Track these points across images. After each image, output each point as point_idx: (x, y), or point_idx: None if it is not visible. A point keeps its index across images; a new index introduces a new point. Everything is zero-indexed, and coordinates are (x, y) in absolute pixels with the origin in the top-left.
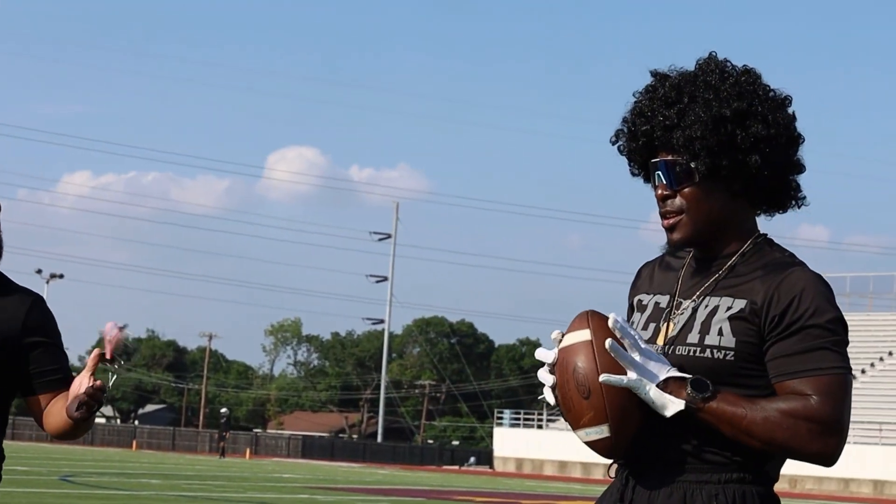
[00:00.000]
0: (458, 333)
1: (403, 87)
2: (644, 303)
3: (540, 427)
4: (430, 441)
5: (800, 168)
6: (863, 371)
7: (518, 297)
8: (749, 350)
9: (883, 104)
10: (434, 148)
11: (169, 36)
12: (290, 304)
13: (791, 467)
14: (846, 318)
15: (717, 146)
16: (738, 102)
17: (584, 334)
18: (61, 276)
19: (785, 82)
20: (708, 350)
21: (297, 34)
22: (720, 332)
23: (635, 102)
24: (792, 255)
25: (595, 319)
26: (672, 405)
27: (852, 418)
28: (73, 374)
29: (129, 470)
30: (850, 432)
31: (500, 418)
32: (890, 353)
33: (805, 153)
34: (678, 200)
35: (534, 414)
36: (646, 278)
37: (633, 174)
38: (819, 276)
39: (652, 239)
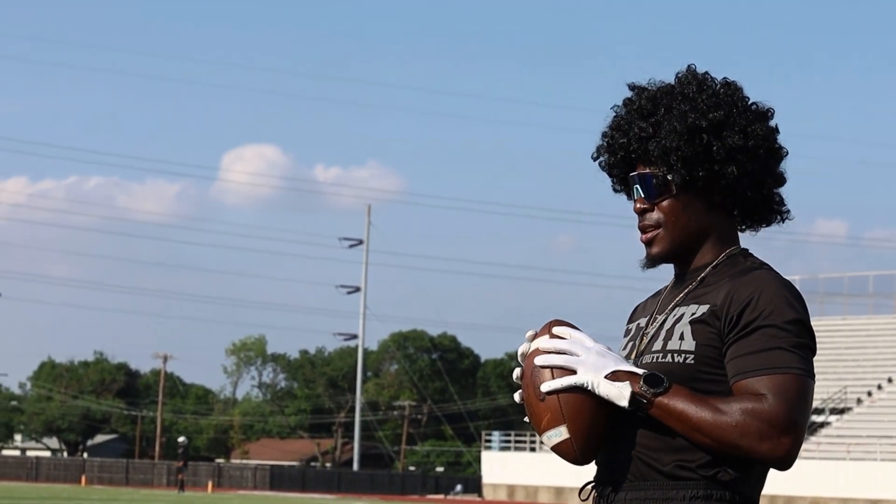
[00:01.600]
0: (440, 348)
1: (372, 78)
2: (629, 328)
3: (533, 450)
4: (412, 468)
5: (781, 181)
6: (889, 380)
7: (505, 307)
8: (709, 353)
9: None
10: (407, 144)
11: (110, 28)
12: (253, 319)
13: (811, 487)
14: (870, 321)
15: (692, 156)
16: (715, 113)
17: (544, 341)
18: None
19: (800, 71)
20: (669, 355)
21: (253, 22)
22: (681, 337)
23: (614, 116)
24: (763, 262)
25: (555, 326)
26: (624, 391)
27: (880, 433)
28: None
29: None
30: (879, 448)
31: (489, 441)
32: None
33: (819, 141)
34: (655, 214)
35: (525, 435)
36: (639, 310)
37: (616, 190)
38: (783, 279)
39: None
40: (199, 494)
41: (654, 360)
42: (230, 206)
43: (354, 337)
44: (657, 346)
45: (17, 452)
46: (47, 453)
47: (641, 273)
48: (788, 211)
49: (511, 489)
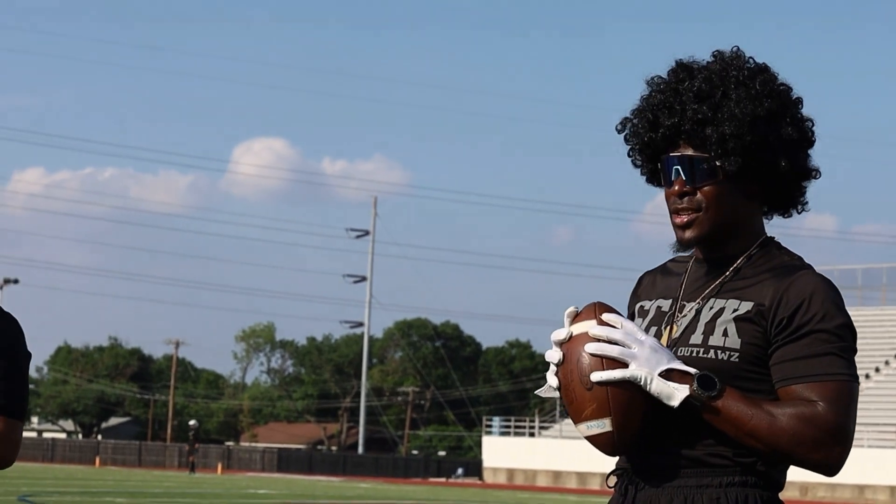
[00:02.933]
0: (443, 336)
1: (377, 74)
2: (646, 308)
3: (532, 435)
4: (415, 452)
5: (815, 173)
6: (877, 369)
7: (506, 296)
8: (754, 352)
9: (891, 85)
10: (411, 137)
11: (124, 23)
12: (263, 307)
13: (802, 474)
14: (858, 312)
15: (750, 146)
16: (770, 102)
17: (591, 325)
18: (16, 282)
19: (792, 65)
20: (712, 351)
21: (262, 19)
22: (725, 333)
23: (658, 93)
24: (800, 258)
25: (602, 311)
26: (678, 393)
27: (867, 420)
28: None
29: (93, 488)
30: (866, 435)
31: (490, 426)
32: None
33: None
34: (698, 197)
35: (525, 421)
36: (647, 285)
37: (636, 165)
38: (829, 281)
39: (645, 231)
40: (210, 476)
41: (694, 354)
42: (240, 198)
43: (360, 325)
44: (696, 339)
45: (33, 434)
46: (63, 435)
47: (637, 265)
48: (807, 202)
49: (510, 472)
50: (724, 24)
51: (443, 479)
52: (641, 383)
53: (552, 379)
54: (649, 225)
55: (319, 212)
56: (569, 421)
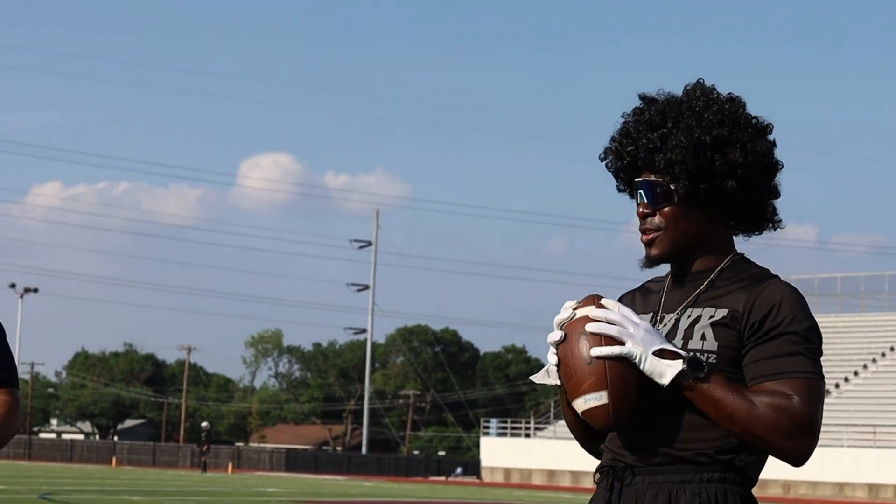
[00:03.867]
0: (443, 342)
1: (379, 92)
2: None
3: (527, 436)
4: (416, 452)
5: (776, 193)
6: (855, 373)
7: (502, 304)
8: (730, 354)
9: (868, 100)
10: (411, 152)
11: (138, 43)
12: (270, 314)
13: (785, 472)
14: (838, 318)
15: (696, 170)
16: (719, 129)
17: (591, 309)
18: (36, 291)
19: (771, 82)
20: (691, 354)
21: (269, 38)
22: (703, 337)
23: (623, 123)
24: (768, 270)
25: (600, 299)
26: (669, 370)
27: (846, 421)
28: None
29: (110, 487)
30: (845, 436)
31: (487, 427)
32: (883, 355)
33: (791, 150)
34: (657, 219)
35: (521, 422)
36: (628, 303)
37: (620, 190)
38: (795, 289)
39: (633, 242)
40: (220, 475)
41: None
42: (247, 210)
43: (363, 331)
44: (676, 343)
45: (53, 435)
46: (81, 436)
47: (628, 274)
48: (780, 220)
49: (507, 472)
50: (722, 24)
51: (442, 478)
52: (636, 360)
53: (552, 357)
54: (638, 235)
55: (324, 223)
56: (562, 423)
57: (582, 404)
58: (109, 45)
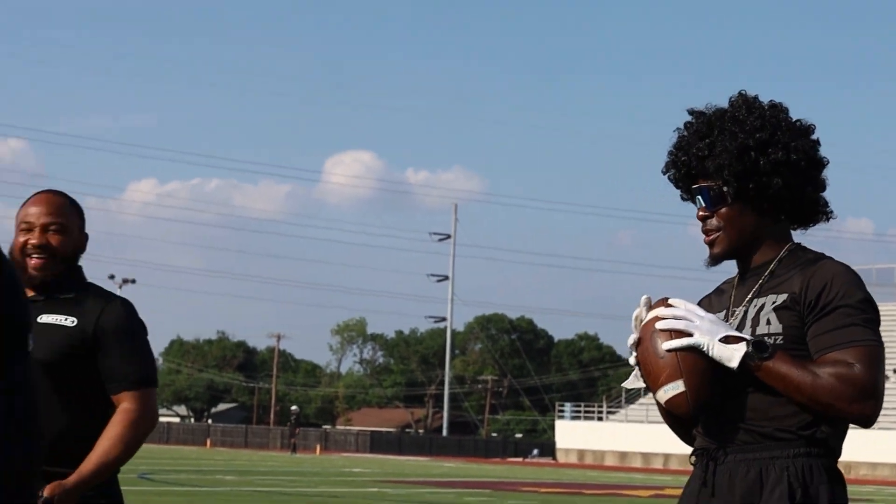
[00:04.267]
0: (518, 329)
1: (457, 92)
2: None
3: (600, 419)
4: (494, 434)
5: (822, 187)
6: None
7: (575, 294)
8: (794, 333)
9: None
10: (487, 149)
11: (229, 45)
12: (355, 304)
13: (845, 454)
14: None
15: (742, 172)
16: (761, 133)
17: (660, 309)
18: (133, 282)
19: (825, 81)
20: (756, 337)
21: (352, 46)
22: (769, 322)
23: (677, 137)
24: (822, 253)
25: (669, 299)
26: (736, 353)
27: None
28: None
29: (205, 467)
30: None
31: (562, 411)
32: None
33: (846, 147)
34: (715, 220)
35: (594, 406)
36: (705, 306)
37: (683, 199)
38: (847, 266)
39: (699, 234)
40: (309, 456)
41: None
42: (332, 205)
43: (443, 319)
44: (746, 332)
45: None
46: (177, 419)
47: (692, 265)
48: (831, 211)
49: (581, 453)
50: (767, 23)
51: (519, 459)
52: (705, 349)
53: (632, 359)
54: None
55: (405, 218)
56: (634, 406)
57: (663, 395)
58: (201, 48)
